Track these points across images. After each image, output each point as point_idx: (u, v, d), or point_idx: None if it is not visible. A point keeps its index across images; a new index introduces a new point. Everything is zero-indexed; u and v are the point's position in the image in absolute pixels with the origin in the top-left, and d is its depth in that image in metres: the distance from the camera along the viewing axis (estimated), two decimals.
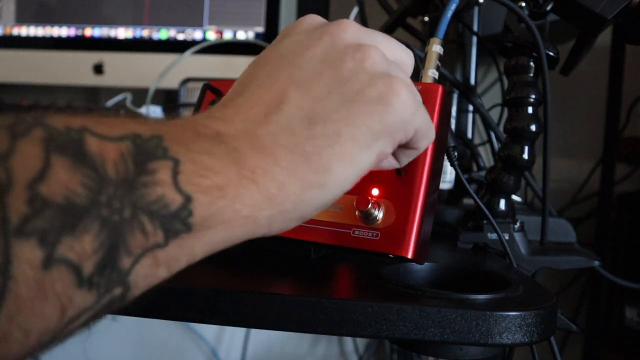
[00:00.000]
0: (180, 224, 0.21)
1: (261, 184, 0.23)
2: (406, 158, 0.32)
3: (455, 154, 0.42)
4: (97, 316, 0.21)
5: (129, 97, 0.99)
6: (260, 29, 0.98)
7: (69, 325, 0.20)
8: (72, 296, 0.19)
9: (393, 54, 0.30)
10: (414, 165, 0.34)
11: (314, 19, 0.31)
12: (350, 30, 0.28)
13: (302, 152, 0.25)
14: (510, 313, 0.29)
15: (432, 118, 0.34)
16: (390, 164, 0.32)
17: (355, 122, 0.26)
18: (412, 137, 0.29)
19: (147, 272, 0.21)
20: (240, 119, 0.25)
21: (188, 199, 0.21)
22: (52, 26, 1.05)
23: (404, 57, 0.31)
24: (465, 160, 0.70)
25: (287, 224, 0.26)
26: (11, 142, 0.18)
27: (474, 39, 0.67)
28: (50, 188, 0.18)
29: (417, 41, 0.73)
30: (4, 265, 0.17)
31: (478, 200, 0.45)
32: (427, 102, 0.35)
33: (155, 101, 0.94)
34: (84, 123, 0.20)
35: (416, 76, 0.37)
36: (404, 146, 0.30)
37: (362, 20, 0.82)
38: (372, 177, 0.35)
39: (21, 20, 1.06)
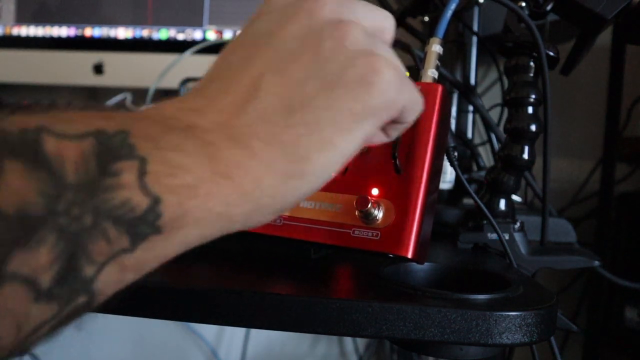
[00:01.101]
0: (148, 227, 0.20)
1: (236, 180, 0.22)
2: (395, 132, 0.30)
3: (455, 154, 0.42)
4: (59, 325, 0.20)
5: (129, 97, 0.99)
6: None
7: (28, 339, 0.19)
8: (28, 312, 0.18)
9: (373, 23, 0.28)
10: (414, 165, 0.34)
11: None
12: (328, 4, 0.26)
13: (280, 142, 0.23)
14: (510, 313, 0.29)
15: (432, 118, 0.34)
16: (380, 138, 0.30)
17: (336, 106, 0.24)
18: (400, 113, 0.28)
19: (114, 279, 0.20)
20: (214, 110, 0.24)
21: (156, 201, 0.20)
22: (52, 26, 1.05)
23: (384, 24, 0.29)
24: (465, 160, 0.70)
25: (265, 218, 0.24)
26: None
27: (474, 39, 0.67)
28: (2, 198, 0.17)
29: (417, 41, 0.73)
30: None
31: (478, 200, 0.45)
32: (427, 101, 0.35)
33: (155, 101, 0.94)
34: (41, 122, 0.19)
35: (416, 76, 0.37)
36: (393, 121, 0.29)
37: None
38: (372, 177, 0.35)
39: (21, 20, 1.06)
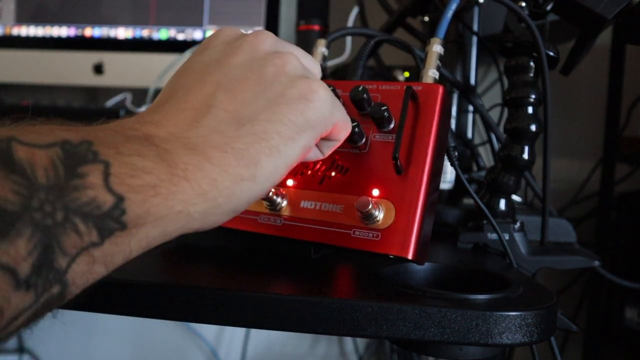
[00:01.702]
0: (114, 223, 0.22)
1: (193, 181, 0.25)
2: (328, 149, 0.35)
3: (455, 154, 0.42)
4: (37, 315, 0.21)
5: (128, 97, 0.99)
6: (260, 29, 0.98)
7: (8, 327, 0.20)
8: (9, 298, 0.19)
9: (305, 61, 0.32)
10: (415, 166, 0.34)
11: (231, 31, 0.33)
12: (267, 40, 0.31)
13: (232, 149, 0.26)
14: (510, 313, 0.29)
15: (432, 118, 0.35)
16: (315, 155, 0.35)
17: (280, 118, 0.28)
18: (332, 129, 0.32)
19: (84, 270, 0.22)
20: (170, 123, 0.26)
21: (120, 199, 0.22)
22: (52, 26, 1.05)
23: (314, 66, 0.33)
24: (465, 160, 0.70)
25: (220, 218, 0.27)
26: None
27: (474, 39, 0.67)
28: None
29: (417, 41, 0.73)
30: None
31: (478, 200, 0.45)
32: (428, 102, 0.35)
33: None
34: (11, 133, 0.21)
35: (416, 76, 0.37)
36: (325, 138, 0.33)
37: (362, 20, 0.82)
38: (373, 177, 0.35)
39: (21, 20, 1.06)
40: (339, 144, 0.34)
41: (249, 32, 0.32)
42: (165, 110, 0.28)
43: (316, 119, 0.30)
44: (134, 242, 0.23)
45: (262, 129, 0.27)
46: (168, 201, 0.24)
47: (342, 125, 0.33)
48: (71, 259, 0.21)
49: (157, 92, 0.94)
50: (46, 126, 0.23)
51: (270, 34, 0.32)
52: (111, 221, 0.22)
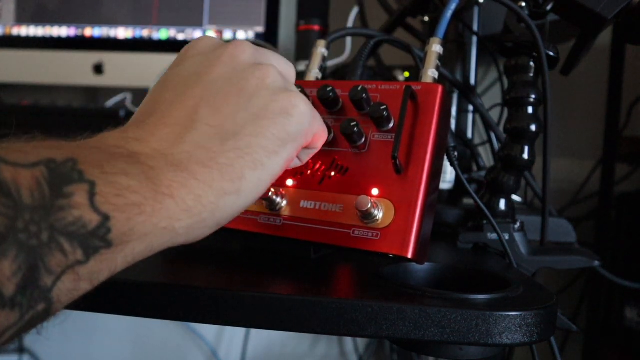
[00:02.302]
0: (100, 241, 0.22)
1: (178, 198, 0.25)
2: (306, 156, 0.36)
3: (455, 154, 0.42)
4: (21, 331, 0.21)
5: (129, 97, 0.99)
6: (260, 29, 0.98)
7: None
8: None
9: (282, 68, 0.33)
10: (414, 165, 0.34)
11: (209, 40, 0.33)
12: (246, 50, 0.31)
13: (217, 164, 0.27)
14: (510, 313, 0.29)
15: (431, 117, 0.35)
16: (295, 163, 0.36)
17: (263, 133, 0.29)
18: (312, 139, 0.33)
19: (70, 287, 0.22)
20: (154, 139, 0.27)
21: (106, 218, 0.22)
22: (52, 26, 1.05)
23: (290, 72, 0.34)
24: (465, 160, 0.70)
25: (205, 231, 0.27)
26: None
27: (474, 39, 0.67)
28: None
29: (417, 41, 0.73)
30: None
31: (478, 200, 0.45)
32: (427, 101, 0.35)
33: None
34: None
35: (416, 76, 0.37)
36: (305, 147, 0.34)
37: (362, 20, 0.82)
38: (372, 177, 0.35)
39: (21, 20, 1.06)
40: (316, 151, 0.36)
41: (225, 41, 0.33)
42: (148, 125, 0.28)
43: (297, 132, 0.30)
44: (119, 258, 0.23)
45: (246, 144, 0.28)
46: (153, 218, 0.24)
47: (320, 134, 0.34)
48: (56, 277, 0.21)
49: None
50: (30, 144, 0.23)
51: (248, 44, 0.32)
52: (97, 240, 0.22)
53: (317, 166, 0.37)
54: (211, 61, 0.31)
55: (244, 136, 0.28)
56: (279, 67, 0.32)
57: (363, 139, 0.36)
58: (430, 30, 0.70)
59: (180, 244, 0.27)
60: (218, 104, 0.29)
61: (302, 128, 0.31)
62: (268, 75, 0.30)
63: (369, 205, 0.32)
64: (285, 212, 0.37)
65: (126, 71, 1.02)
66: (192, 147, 0.27)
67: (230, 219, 0.28)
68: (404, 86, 0.35)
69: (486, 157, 0.84)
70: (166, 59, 0.95)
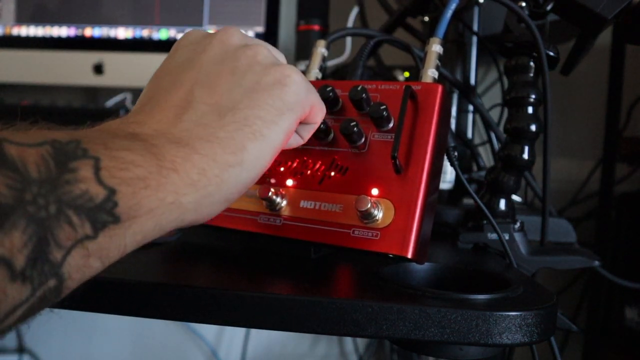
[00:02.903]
0: (107, 215, 0.22)
1: (182, 172, 0.25)
2: (307, 133, 0.36)
3: (455, 154, 0.42)
4: (33, 310, 0.21)
5: (128, 97, 0.99)
6: (260, 29, 0.98)
7: (5, 320, 0.20)
8: (5, 290, 0.20)
9: (274, 52, 0.34)
10: (414, 165, 0.34)
11: (198, 32, 0.34)
12: (235, 35, 0.32)
13: (217, 138, 0.27)
14: (510, 313, 0.29)
15: (431, 117, 0.35)
16: (297, 140, 0.36)
17: (259, 104, 0.29)
18: (309, 112, 0.33)
19: (80, 263, 0.22)
20: (154, 121, 0.27)
21: (112, 191, 0.22)
22: (52, 26, 1.05)
23: (282, 57, 0.34)
24: (465, 160, 0.70)
25: (214, 208, 0.27)
26: None
27: (474, 39, 0.67)
28: None
29: (417, 41, 0.73)
30: None
31: (478, 200, 0.45)
32: (427, 101, 0.35)
33: None
34: (1, 135, 0.21)
35: (416, 76, 0.37)
36: (304, 122, 0.34)
37: (362, 20, 0.82)
38: (372, 177, 0.35)
39: (21, 20, 1.06)
40: (317, 126, 0.35)
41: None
42: (146, 111, 0.29)
43: (294, 101, 0.31)
44: (128, 235, 0.23)
45: (244, 116, 0.28)
46: (159, 193, 0.24)
47: (318, 107, 0.34)
48: (66, 251, 0.21)
49: None
50: (34, 129, 0.23)
51: (237, 30, 0.33)
52: (104, 214, 0.22)
53: (317, 166, 0.37)
54: (203, 47, 0.31)
55: (241, 110, 0.29)
56: (269, 48, 0.33)
57: (363, 139, 0.36)
58: (430, 30, 0.70)
59: (190, 222, 0.27)
60: (212, 83, 0.29)
61: (299, 98, 0.31)
62: (259, 53, 0.31)
63: (369, 205, 0.32)
64: (285, 212, 0.37)
65: (126, 71, 1.02)
66: (191, 125, 0.27)
67: (238, 195, 0.28)
68: (404, 86, 0.35)
69: (486, 157, 0.84)
70: None
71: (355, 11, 0.85)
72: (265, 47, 0.32)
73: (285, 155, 0.39)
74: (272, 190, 0.37)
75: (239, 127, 0.28)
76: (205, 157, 0.26)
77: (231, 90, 0.29)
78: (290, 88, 0.30)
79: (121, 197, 0.23)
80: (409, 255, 0.32)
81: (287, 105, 0.30)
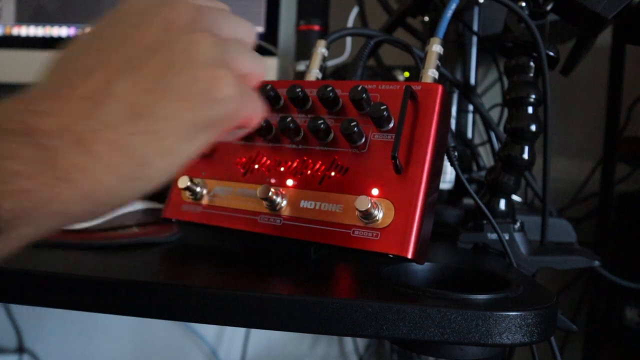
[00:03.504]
0: None
1: (76, 183, 0.23)
2: (240, 134, 0.34)
3: (455, 154, 0.42)
4: None
5: None
6: (260, 29, 0.98)
7: None
8: None
9: (230, 31, 0.30)
10: (414, 165, 0.34)
11: None
12: (185, 13, 0.28)
13: (122, 147, 0.25)
14: (510, 313, 0.29)
15: (431, 117, 0.34)
16: (227, 138, 0.34)
17: (179, 117, 0.26)
18: (240, 123, 0.30)
19: None
20: (60, 113, 0.24)
21: None
22: (52, 26, 1.05)
23: (243, 33, 0.31)
24: (465, 160, 0.70)
25: (103, 214, 0.26)
26: None
27: (474, 39, 0.67)
28: None
29: (417, 41, 0.73)
30: None
31: (478, 200, 0.45)
32: (427, 101, 0.35)
33: None
34: None
35: (416, 76, 0.37)
36: (237, 126, 0.31)
37: (362, 20, 0.82)
38: (372, 177, 0.35)
39: (21, 20, 1.06)
40: (249, 130, 0.34)
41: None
42: (56, 94, 0.25)
43: (219, 116, 0.28)
44: (7, 244, 0.23)
45: (158, 127, 0.26)
46: (47, 205, 0.23)
47: (252, 115, 0.31)
48: None
49: None
50: None
51: (191, 5, 0.28)
52: None
53: (317, 166, 0.37)
54: (143, 23, 0.27)
55: (158, 119, 0.26)
56: (223, 29, 0.30)
57: (363, 139, 0.36)
58: (430, 30, 0.70)
59: (72, 224, 0.26)
60: (136, 75, 0.26)
61: (226, 113, 0.28)
62: (198, 48, 0.27)
63: (369, 205, 0.32)
64: (285, 212, 0.37)
65: None
66: (101, 125, 0.24)
67: (131, 202, 0.27)
68: (404, 86, 0.35)
69: (486, 157, 0.84)
70: None
71: (355, 11, 0.85)
72: (209, 40, 0.28)
73: (286, 155, 0.39)
74: (272, 190, 0.37)
75: (151, 140, 0.25)
76: (106, 167, 0.24)
77: (153, 91, 0.26)
78: (217, 102, 0.27)
79: (1, 213, 0.21)
80: (409, 256, 0.32)
81: (209, 121, 0.28)
